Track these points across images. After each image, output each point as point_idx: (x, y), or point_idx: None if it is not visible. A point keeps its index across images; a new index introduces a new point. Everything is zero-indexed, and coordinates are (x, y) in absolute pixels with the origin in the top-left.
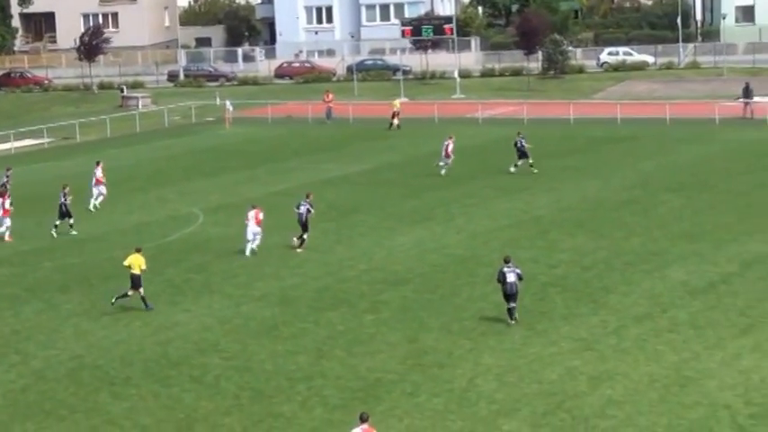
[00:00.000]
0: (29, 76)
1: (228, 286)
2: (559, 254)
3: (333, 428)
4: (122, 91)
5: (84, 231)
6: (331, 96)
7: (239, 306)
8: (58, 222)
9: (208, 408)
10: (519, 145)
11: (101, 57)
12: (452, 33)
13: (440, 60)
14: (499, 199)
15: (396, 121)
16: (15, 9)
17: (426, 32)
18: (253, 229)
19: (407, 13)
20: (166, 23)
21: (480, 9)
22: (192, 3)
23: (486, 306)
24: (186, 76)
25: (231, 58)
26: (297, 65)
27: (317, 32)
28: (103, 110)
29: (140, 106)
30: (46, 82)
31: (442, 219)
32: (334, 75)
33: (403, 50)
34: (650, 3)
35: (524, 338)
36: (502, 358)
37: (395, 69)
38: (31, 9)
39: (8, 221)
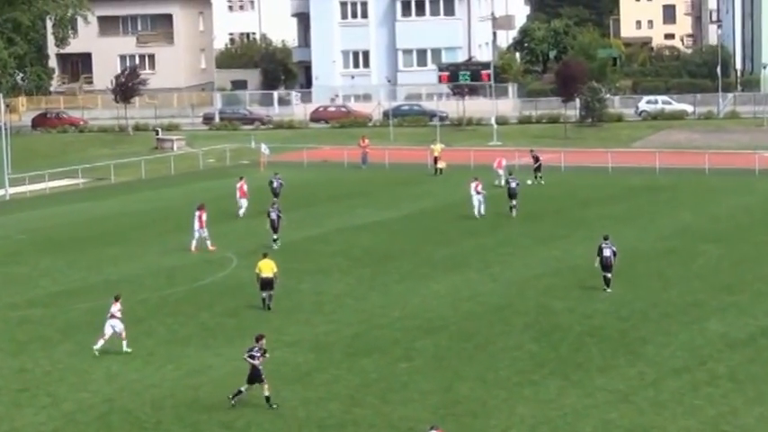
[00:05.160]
0: (65, 116)
1: (261, 331)
2: (596, 303)
3: None
4: (157, 133)
5: (116, 273)
6: (367, 141)
7: (272, 351)
8: (275, 236)
9: None
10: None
11: (136, 98)
12: (490, 80)
13: (477, 107)
14: (536, 247)
15: (440, 165)
16: (52, 49)
17: (464, 78)
18: (478, 197)
19: (444, 59)
20: (203, 66)
21: (518, 55)
22: (229, 45)
23: (521, 356)
24: (221, 118)
25: (267, 101)
26: (333, 109)
27: (353, 77)
28: (138, 151)
29: (175, 148)
30: (81, 123)
31: (477, 266)
32: (371, 120)
33: (440, 96)
34: (690, 51)
35: (560, 389)
36: (536, 409)
37: (431, 115)
38: (68, 50)
39: (205, 232)
